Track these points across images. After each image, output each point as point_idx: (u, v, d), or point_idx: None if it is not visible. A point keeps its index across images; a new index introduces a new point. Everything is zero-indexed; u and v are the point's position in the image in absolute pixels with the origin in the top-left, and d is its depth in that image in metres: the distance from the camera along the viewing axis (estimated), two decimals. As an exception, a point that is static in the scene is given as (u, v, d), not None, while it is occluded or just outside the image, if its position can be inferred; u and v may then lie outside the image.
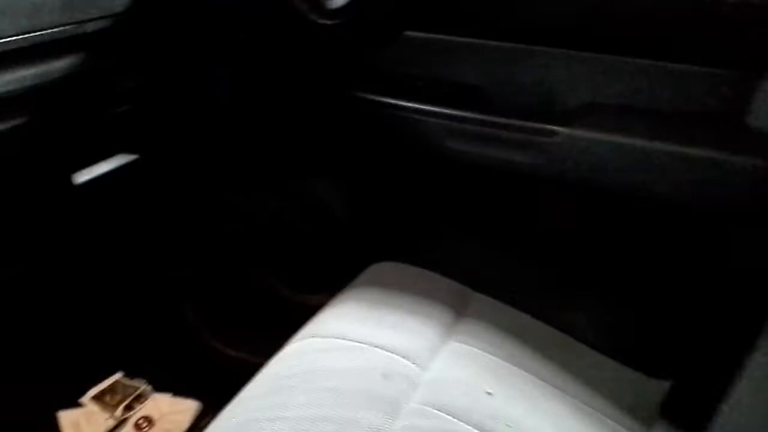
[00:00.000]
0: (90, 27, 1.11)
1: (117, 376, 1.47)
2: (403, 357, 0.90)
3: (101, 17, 1.13)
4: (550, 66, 1.11)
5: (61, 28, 1.07)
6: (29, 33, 1.03)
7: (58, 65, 1.08)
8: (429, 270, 1.10)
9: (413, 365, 0.90)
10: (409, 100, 1.20)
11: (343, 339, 0.93)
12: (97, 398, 1.43)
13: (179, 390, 1.44)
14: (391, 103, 1.21)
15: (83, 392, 1.41)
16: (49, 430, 1.32)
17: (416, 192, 1.39)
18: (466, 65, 1.17)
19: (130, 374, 1.46)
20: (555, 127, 1.09)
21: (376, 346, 0.91)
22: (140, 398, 1.45)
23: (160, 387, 1.45)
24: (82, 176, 1.18)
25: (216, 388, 0.94)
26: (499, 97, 1.15)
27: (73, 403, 1.39)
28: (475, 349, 0.94)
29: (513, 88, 1.14)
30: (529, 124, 1.11)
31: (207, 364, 1.50)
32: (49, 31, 1.05)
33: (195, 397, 1.41)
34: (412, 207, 1.41)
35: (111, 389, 1.45)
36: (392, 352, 0.90)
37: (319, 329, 0.96)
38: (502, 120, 1.13)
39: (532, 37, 1.11)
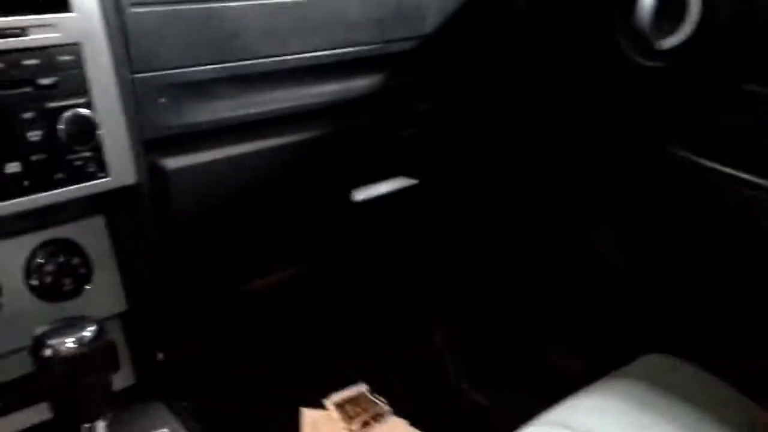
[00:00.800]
0: (395, 47, 1.11)
1: (362, 388, 1.48)
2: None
3: (408, 38, 1.13)
4: None
5: (370, 47, 1.08)
6: (341, 49, 1.05)
7: (360, 83, 1.10)
8: (707, 368, 0.91)
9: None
10: (743, 170, 0.99)
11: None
12: (340, 406, 1.45)
13: (416, 419, 1.40)
14: (720, 171, 1.02)
15: (325, 393, 1.43)
16: (289, 422, 1.36)
17: (710, 267, 1.18)
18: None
19: (373, 389, 1.46)
20: None
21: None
22: (378, 417, 1.44)
23: (399, 410, 1.43)
24: (361, 194, 1.18)
25: (454, 429, 0.86)
26: None
27: (316, 401, 1.42)
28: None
29: None
30: None
31: (450, 402, 1.45)
32: (358, 48, 1.07)
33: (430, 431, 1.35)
34: (701, 283, 1.19)
35: (354, 400, 1.47)
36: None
37: (572, 419, 0.84)
38: None
39: None
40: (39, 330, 0.70)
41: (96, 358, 0.71)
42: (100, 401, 0.74)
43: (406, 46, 1.13)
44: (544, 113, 1.32)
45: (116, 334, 0.99)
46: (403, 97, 1.18)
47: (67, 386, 0.71)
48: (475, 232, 1.47)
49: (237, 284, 1.23)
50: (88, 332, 0.70)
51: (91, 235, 0.90)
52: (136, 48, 0.85)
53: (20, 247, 0.85)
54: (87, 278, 0.90)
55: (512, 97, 1.30)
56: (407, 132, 1.19)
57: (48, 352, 0.69)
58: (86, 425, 0.73)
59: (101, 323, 0.72)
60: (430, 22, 1.16)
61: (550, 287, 1.46)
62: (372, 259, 1.44)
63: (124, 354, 1.00)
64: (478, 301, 1.54)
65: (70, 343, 0.69)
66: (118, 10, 0.83)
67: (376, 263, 1.45)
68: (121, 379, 0.99)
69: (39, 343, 0.69)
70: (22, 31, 0.73)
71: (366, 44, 1.09)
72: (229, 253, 1.08)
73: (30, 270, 0.85)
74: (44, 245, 0.87)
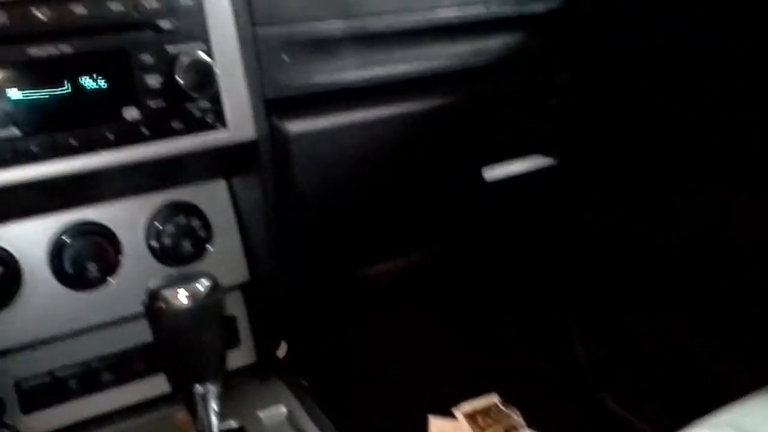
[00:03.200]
0: (534, 8, 1.02)
1: (493, 399, 1.37)
2: None
3: (548, -1, 1.03)
4: None
5: (506, 6, 0.99)
6: (474, 7, 0.97)
7: (493, 45, 1.01)
8: None
9: None
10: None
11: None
12: (470, 416, 1.35)
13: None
14: None
15: (455, 399, 1.33)
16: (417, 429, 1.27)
17: None
18: None
19: (505, 399, 1.35)
20: None
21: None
22: (512, 430, 1.32)
23: (533, 422, 1.32)
24: (494, 173, 1.08)
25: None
26: None
27: (444, 407, 1.32)
28: None
29: None
30: None
31: (590, 416, 1.30)
32: (493, 8, 0.98)
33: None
34: None
35: (485, 411, 1.36)
36: None
37: (743, 422, 0.70)
38: None
39: None
40: (153, 283, 0.66)
41: (209, 312, 0.66)
42: (214, 362, 0.69)
43: (547, 6, 1.03)
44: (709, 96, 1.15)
45: (238, 309, 0.95)
46: (542, 64, 1.07)
47: (179, 341, 0.66)
48: (617, 224, 1.32)
49: (357, 266, 1.16)
50: (202, 286, 0.65)
51: (212, 199, 0.87)
52: (263, 4, 0.81)
53: (142, 208, 0.84)
54: (207, 242, 0.86)
55: (670, 73, 1.14)
56: (545, 104, 1.09)
57: (160, 305, 0.64)
58: (199, 388, 0.69)
59: (216, 279, 0.67)
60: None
61: (710, 286, 1.27)
62: (504, 248, 1.32)
63: (245, 332, 0.97)
64: (622, 303, 1.38)
65: (182, 295, 0.64)
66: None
67: (508, 253, 1.34)
68: (241, 358, 0.95)
69: (153, 295, 0.65)
70: (144, -25, 0.71)
71: (502, 3, 1.00)
72: (351, 231, 1.02)
73: (150, 231, 0.83)
74: (165, 207, 0.84)
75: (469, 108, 1.02)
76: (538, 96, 1.08)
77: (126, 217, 0.82)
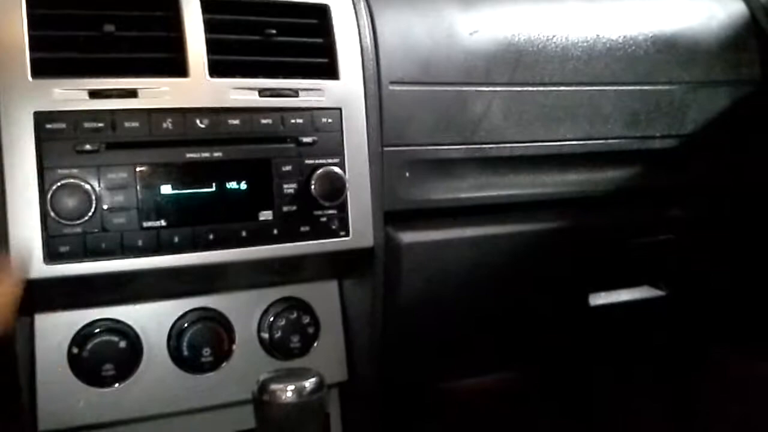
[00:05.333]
0: (649, 144, 1.04)
1: None
2: None
3: (665, 136, 1.05)
4: None
5: (621, 141, 1.02)
6: (590, 140, 1.00)
7: (607, 177, 1.03)
8: None
9: None
10: None
11: None
12: None
13: None
14: None
15: None
16: None
17: None
18: None
19: None
20: None
21: None
22: None
23: None
24: (599, 299, 1.08)
25: None
26: None
27: None
28: None
29: None
30: None
31: None
32: (608, 141, 1.01)
33: None
34: None
35: None
36: None
37: None
38: None
39: None
40: (263, 376, 0.70)
41: (313, 409, 0.68)
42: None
43: (663, 144, 1.05)
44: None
45: (332, 407, 0.97)
46: (655, 198, 1.08)
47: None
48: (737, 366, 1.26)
49: (446, 378, 1.16)
50: (309, 383, 0.68)
51: (322, 297, 0.92)
52: (389, 122, 0.88)
53: (256, 301, 0.88)
54: (314, 339, 0.90)
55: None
56: (656, 238, 1.08)
57: (267, 397, 0.68)
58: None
59: (322, 377, 0.70)
60: (691, 121, 1.07)
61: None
62: (604, 376, 1.28)
63: (336, 430, 0.98)
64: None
65: (290, 390, 0.67)
66: (379, 85, 0.87)
67: (608, 382, 1.29)
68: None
69: (262, 387, 0.68)
70: (294, 93, 0.79)
71: (617, 138, 1.02)
72: (448, 342, 1.03)
73: (262, 323, 0.88)
74: (278, 302, 0.89)
75: (577, 234, 1.03)
76: (650, 229, 1.08)
77: (242, 308, 0.87)
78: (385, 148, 0.88)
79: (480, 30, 0.96)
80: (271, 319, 0.87)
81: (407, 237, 0.91)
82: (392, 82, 0.89)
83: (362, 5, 0.88)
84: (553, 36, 1.01)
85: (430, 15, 0.95)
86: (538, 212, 1.00)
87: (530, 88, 0.98)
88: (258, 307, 0.88)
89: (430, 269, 0.94)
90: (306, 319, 0.89)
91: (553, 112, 0.99)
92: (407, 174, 0.91)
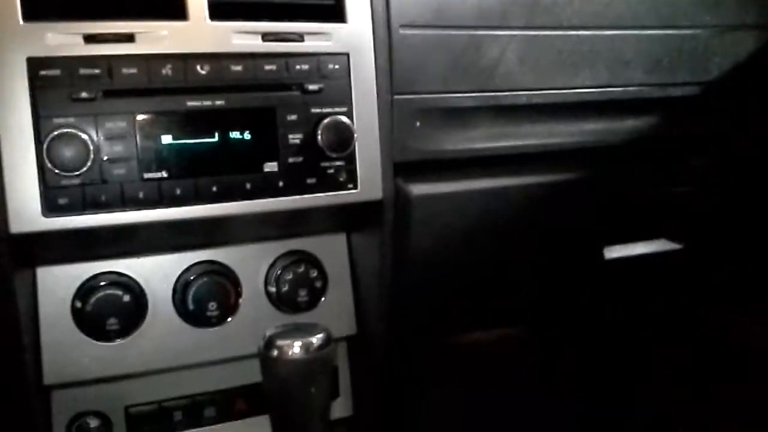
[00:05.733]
0: (671, 91, 0.99)
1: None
2: None
3: (687, 83, 1.00)
4: None
5: (642, 88, 0.97)
6: (609, 87, 0.96)
7: (626, 126, 0.99)
8: None
9: None
10: None
11: None
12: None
13: None
14: None
15: None
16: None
17: None
18: None
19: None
20: None
21: None
22: None
23: None
24: (614, 252, 1.05)
25: None
26: None
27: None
28: None
29: None
30: None
31: None
32: (629, 89, 0.97)
33: None
34: None
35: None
36: None
37: None
38: None
39: None
40: (270, 331, 0.68)
41: (320, 365, 0.67)
42: (319, 413, 0.70)
43: (685, 91, 1.01)
44: None
45: (341, 361, 0.96)
46: (675, 148, 1.04)
47: (289, 390, 0.68)
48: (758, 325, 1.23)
49: (456, 332, 1.14)
50: (317, 339, 0.67)
51: (330, 251, 0.89)
52: (399, 68, 0.84)
53: (263, 255, 0.86)
54: (322, 293, 0.88)
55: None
56: (676, 189, 1.05)
57: (274, 353, 0.66)
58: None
59: (329, 333, 0.68)
60: (715, 68, 1.02)
61: None
62: (617, 333, 1.26)
63: (344, 383, 0.97)
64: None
65: (297, 346, 0.66)
66: (389, 29, 0.82)
67: (622, 338, 1.27)
68: (338, 410, 0.96)
69: (268, 343, 0.67)
70: (299, 37, 0.75)
71: (637, 85, 0.98)
72: (458, 296, 1.01)
73: (270, 277, 0.86)
74: (285, 255, 0.87)
75: (594, 186, 1.00)
76: (668, 179, 1.04)
77: (249, 262, 0.85)
78: (395, 96, 0.84)
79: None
80: (279, 272, 0.86)
81: (417, 189, 0.88)
82: (402, 26, 0.85)
83: None
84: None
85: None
86: (552, 163, 0.97)
87: (548, 32, 0.93)
88: (265, 260, 0.86)
89: (440, 221, 0.91)
90: (314, 273, 0.87)
91: (572, 58, 0.94)
92: (418, 123, 0.87)
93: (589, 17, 0.95)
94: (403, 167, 0.87)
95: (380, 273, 0.89)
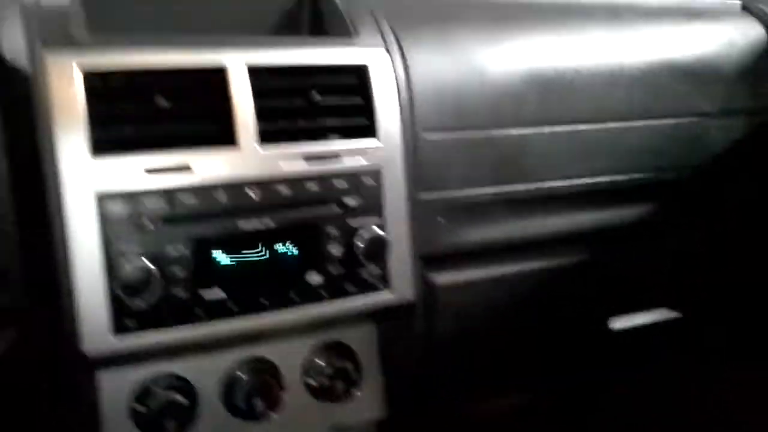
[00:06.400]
0: (675, 175, 1.07)
1: None
2: None
3: (687, 166, 1.08)
4: None
5: (647, 174, 1.05)
6: (617, 175, 1.04)
7: (633, 210, 1.07)
8: None
9: None
10: None
11: None
12: None
13: None
14: None
15: None
16: None
17: None
18: None
19: None
20: None
21: None
22: None
23: None
24: (620, 323, 1.12)
25: None
26: None
27: None
28: None
29: None
30: None
31: None
32: (636, 175, 1.05)
33: None
34: None
35: None
36: None
37: None
38: None
39: None
40: None
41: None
42: None
43: (681, 174, 1.09)
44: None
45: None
46: (674, 226, 1.12)
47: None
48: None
49: (472, 402, 1.21)
50: None
51: (362, 340, 0.95)
52: (424, 169, 0.91)
53: (301, 348, 0.91)
54: (357, 380, 0.94)
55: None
56: (675, 264, 1.13)
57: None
58: None
59: None
60: (710, 151, 1.10)
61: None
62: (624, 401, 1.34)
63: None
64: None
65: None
66: (414, 134, 0.89)
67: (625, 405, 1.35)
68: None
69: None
70: (336, 157, 0.82)
71: (643, 172, 1.06)
72: (479, 372, 1.08)
73: (308, 369, 0.91)
74: (322, 348, 0.92)
75: (603, 265, 1.08)
76: (669, 257, 1.12)
77: (289, 356, 0.91)
78: (421, 195, 0.91)
79: (508, 66, 0.99)
80: (316, 364, 0.91)
81: (442, 278, 0.95)
82: (425, 130, 0.92)
83: (398, 57, 0.90)
84: (579, 70, 1.03)
85: (458, 53, 0.97)
86: (563, 247, 1.04)
87: (560, 128, 1.01)
88: (302, 353, 0.92)
89: (464, 307, 0.98)
90: (349, 363, 0.92)
91: (582, 149, 1.02)
92: (442, 220, 0.94)
93: (595, 111, 1.03)
94: (428, 260, 0.94)
95: (409, 357, 0.96)
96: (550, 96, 1.01)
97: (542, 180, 1.00)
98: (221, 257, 0.77)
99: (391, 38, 0.91)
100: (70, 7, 0.79)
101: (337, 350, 0.93)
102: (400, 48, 0.91)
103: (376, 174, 0.84)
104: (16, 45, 0.75)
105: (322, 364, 0.92)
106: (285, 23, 1.00)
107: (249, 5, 1.00)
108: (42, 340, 0.76)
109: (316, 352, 0.92)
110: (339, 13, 0.93)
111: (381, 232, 0.83)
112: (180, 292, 0.75)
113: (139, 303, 0.73)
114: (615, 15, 1.14)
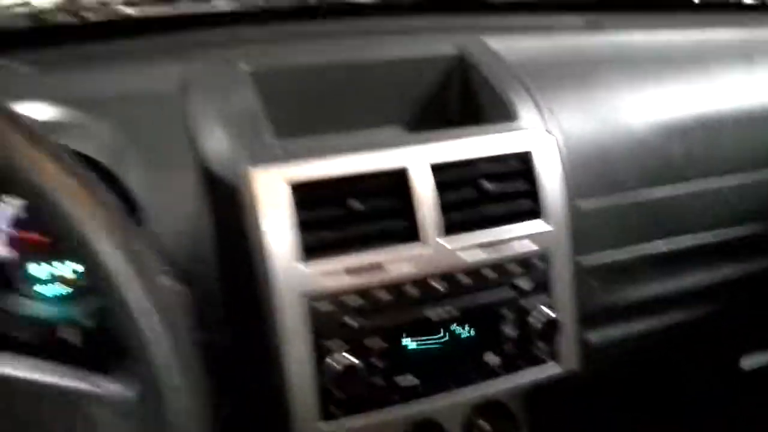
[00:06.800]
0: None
1: None
2: None
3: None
4: None
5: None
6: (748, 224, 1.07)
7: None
8: None
9: None
10: None
11: None
12: None
13: None
14: None
15: None
16: None
17: None
18: None
19: None
20: None
21: None
22: None
23: None
24: (752, 361, 1.16)
25: None
26: None
27: None
28: None
29: None
30: None
31: None
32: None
33: None
34: None
35: None
36: None
37: None
38: None
39: None
40: None
41: None
42: None
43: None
44: None
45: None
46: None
47: None
48: None
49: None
50: None
51: (515, 395, 1.00)
52: (579, 236, 0.94)
53: (464, 407, 0.96)
54: None
55: None
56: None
57: None
58: None
59: None
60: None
61: None
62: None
63: None
64: None
65: None
66: (571, 205, 0.93)
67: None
68: None
69: None
70: (509, 242, 0.87)
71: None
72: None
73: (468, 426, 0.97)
74: (481, 406, 0.97)
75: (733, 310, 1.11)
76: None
77: (455, 416, 0.96)
78: (577, 261, 0.95)
79: (651, 119, 1.01)
80: (478, 422, 0.98)
81: (594, 336, 1.00)
82: (579, 197, 0.95)
83: (557, 133, 0.93)
84: (721, 118, 1.05)
85: (603, 114, 1.00)
86: (701, 296, 1.08)
87: (706, 184, 1.03)
88: (464, 413, 0.97)
89: (612, 361, 1.03)
90: (508, 423, 0.98)
91: (725, 199, 1.05)
92: (595, 283, 0.99)
93: (740, 160, 1.06)
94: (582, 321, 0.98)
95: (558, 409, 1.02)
96: (696, 149, 1.03)
97: (691, 232, 1.03)
98: (410, 344, 0.83)
99: (548, 115, 0.95)
100: (254, 110, 0.85)
101: (495, 410, 0.99)
102: (558, 124, 0.94)
103: (544, 255, 0.89)
104: (221, 156, 0.82)
105: (483, 422, 0.98)
106: (433, 98, 1.03)
107: (396, 79, 1.02)
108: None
109: (476, 411, 0.98)
110: (493, 90, 0.97)
111: (553, 315, 0.87)
112: (378, 381, 0.81)
113: (342, 394, 0.80)
114: (746, 56, 1.15)
